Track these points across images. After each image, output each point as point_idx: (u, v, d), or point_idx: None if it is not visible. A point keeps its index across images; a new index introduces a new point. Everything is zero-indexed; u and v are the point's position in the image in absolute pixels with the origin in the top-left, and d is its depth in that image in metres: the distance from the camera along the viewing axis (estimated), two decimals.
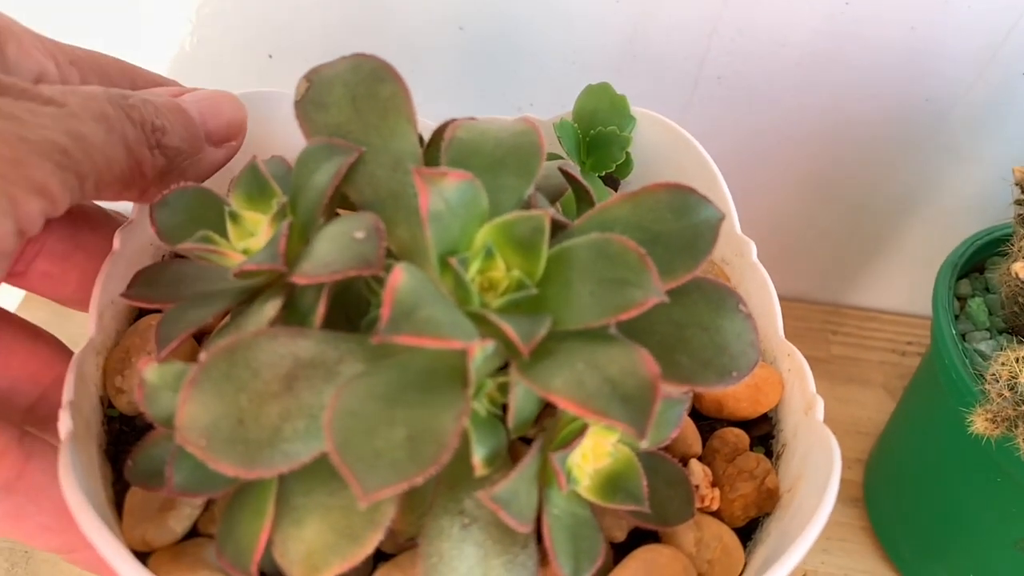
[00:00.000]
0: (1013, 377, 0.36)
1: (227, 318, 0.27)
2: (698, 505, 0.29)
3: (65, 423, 0.26)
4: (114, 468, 0.29)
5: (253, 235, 0.27)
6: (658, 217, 0.26)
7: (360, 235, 0.24)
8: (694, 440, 0.31)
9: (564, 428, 0.26)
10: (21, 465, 0.26)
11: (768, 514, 0.31)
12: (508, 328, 0.22)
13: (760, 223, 0.34)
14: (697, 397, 0.34)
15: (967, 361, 0.42)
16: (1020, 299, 0.42)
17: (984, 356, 0.44)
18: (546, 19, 0.50)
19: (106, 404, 0.30)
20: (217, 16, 0.53)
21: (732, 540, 0.29)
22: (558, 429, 0.26)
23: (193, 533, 0.27)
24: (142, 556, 0.26)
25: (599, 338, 0.23)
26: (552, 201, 0.32)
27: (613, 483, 0.26)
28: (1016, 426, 0.37)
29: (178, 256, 0.35)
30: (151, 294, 0.27)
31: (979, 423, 0.38)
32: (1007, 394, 0.36)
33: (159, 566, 0.26)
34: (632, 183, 0.40)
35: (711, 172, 0.37)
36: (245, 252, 0.26)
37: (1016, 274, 0.40)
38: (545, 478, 0.25)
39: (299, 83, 0.27)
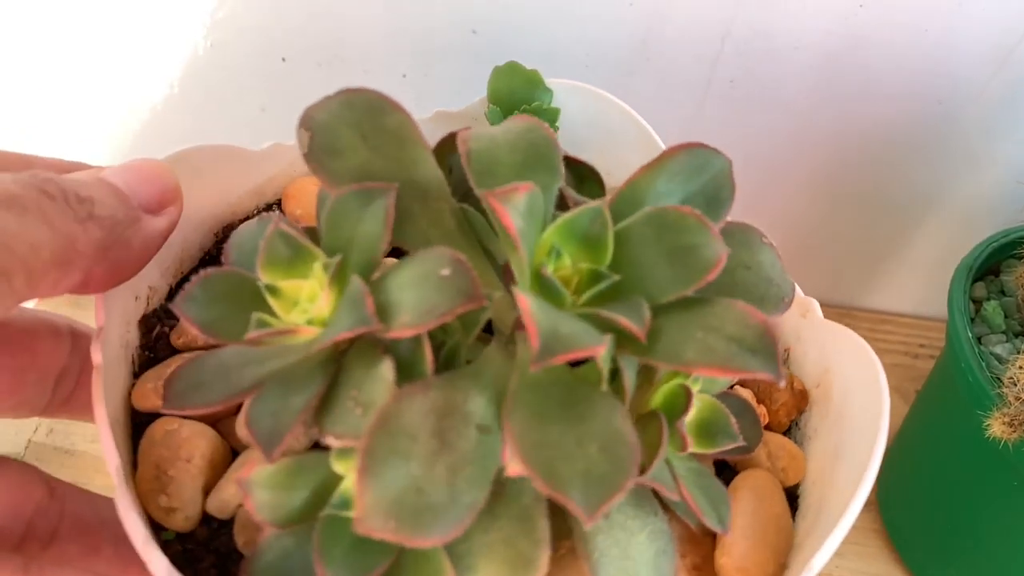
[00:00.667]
0: None
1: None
2: None
3: (160, 562, 0.24)
4: None
5: (298, 303, 0.25)
6: (683, 179, 0.27)
7: (447, 272, 0.23)
8: None
9: (659, 394, 0.27)
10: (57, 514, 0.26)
11: (802, 412, 0.34)
12: (623, 319, 0.23)
13: (773, 225, 0.33)
14: None
15: (983, 364, 0.41)
16: None
17: (1000, 359, 0.42)
18: (558, 22, 0.49)
19: (159, 529, 0.28)
20: (230, 20, 0.51)
21: (792, 446, 0.32)
22: (651, 396, 0.27)
23: None
24: None
25: (692, 304, 0.25)
26: None
27: (709, 429, 0.28)
28: None
29: (162, 342, 0.32)
30: (206, 397, 0.25)
31: (996, 427, 0.37)
32: None
33: None
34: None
35: (640, 127, 0.39)
36: (311, 323, 0.24)
37: None
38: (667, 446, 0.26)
39: (299, 133, 0.26)
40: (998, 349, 0.44)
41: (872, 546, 0.54)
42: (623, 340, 0.24)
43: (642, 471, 0.24)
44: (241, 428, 0.29)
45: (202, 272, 0.25)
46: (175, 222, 0.28)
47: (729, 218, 0.28)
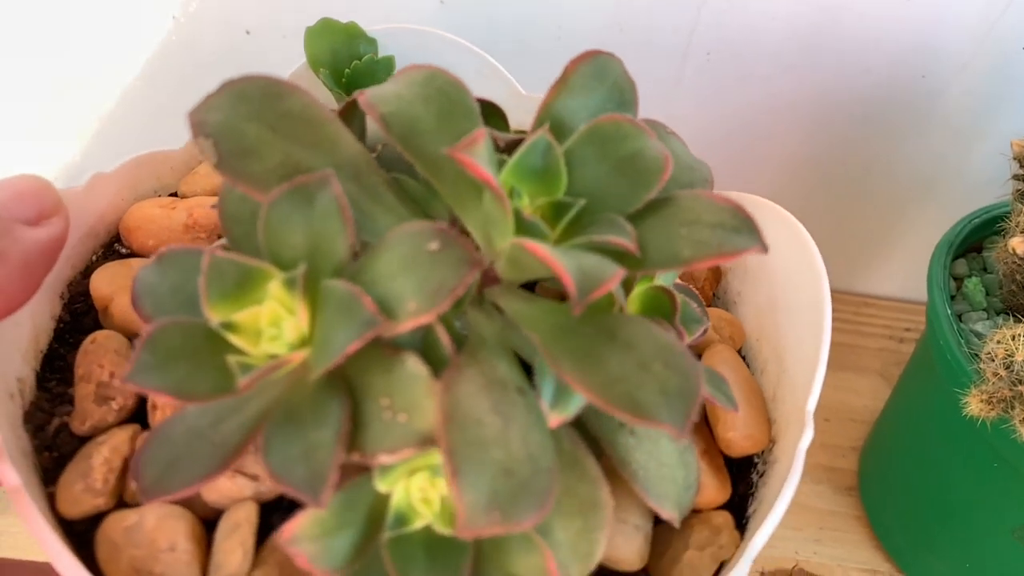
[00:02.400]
0: (1009, 355, 0.34)
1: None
2: None
3: None
4: None
5: (261, 332, 0.22)
6: (592, 87, 0.27)
7: (435, 245, 0.21)
8: None
9: (633, 296, 0.27)
10: None
11: (719, 282, 0.36)
12: (616, 239, 0.22)
13: None
14: None
15: (962, 341, 0.40)
16: (1018, 276, 0.39)
17: (980, 337, 0.41)
18: None
19: None
20: None
21: (727, 314, 0.34)
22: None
23: None
24: None
25: (659, 206, 0.25)
26: None
27: (683, 321, 0.29)
28: (1012, 407, 0.35)
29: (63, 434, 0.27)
30: (201, 468, 0.21)
31: (974, 404, 0.36)
32: (1003, 373, 0.34)
33: None
34: None
35: (474, 53, 0.38)
36: (292, 347, 0.21)
37: (1014, 250, 0.37)
38: None
39: (198, 143, 0.22)
40: (979, 326, 0.42)
41: (853, 532, 0.53)
42: (615, 258, 0.24)
43: None
44: (211, 492, 0.25)
45: (143, 334, 0.21)
46: (60, 233, 0.27)
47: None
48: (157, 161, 0.35)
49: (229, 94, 0.23)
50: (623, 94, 0.28)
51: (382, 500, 0.22)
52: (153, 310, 0.23)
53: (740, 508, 0.29)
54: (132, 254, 0.33)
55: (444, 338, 0.22)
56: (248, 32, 0.48)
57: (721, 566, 0.27)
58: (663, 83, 0.51)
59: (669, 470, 0.26)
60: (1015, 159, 0.41)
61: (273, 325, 0.22)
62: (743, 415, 0.29)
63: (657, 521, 0.27)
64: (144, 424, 0.28)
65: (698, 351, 0.32)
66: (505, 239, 0.23)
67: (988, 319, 0.43)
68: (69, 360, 0.29)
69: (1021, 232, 0.38)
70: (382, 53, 0.38)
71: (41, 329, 0.30)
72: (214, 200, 0.32)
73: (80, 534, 0.25)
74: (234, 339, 0.22)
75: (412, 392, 0.20)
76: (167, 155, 0.35)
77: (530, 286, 0.29)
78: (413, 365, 0.21)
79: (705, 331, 0.30)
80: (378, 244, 0.22)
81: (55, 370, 0.29)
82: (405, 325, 0.20)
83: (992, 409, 0.36)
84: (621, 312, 0.23)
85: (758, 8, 0.49)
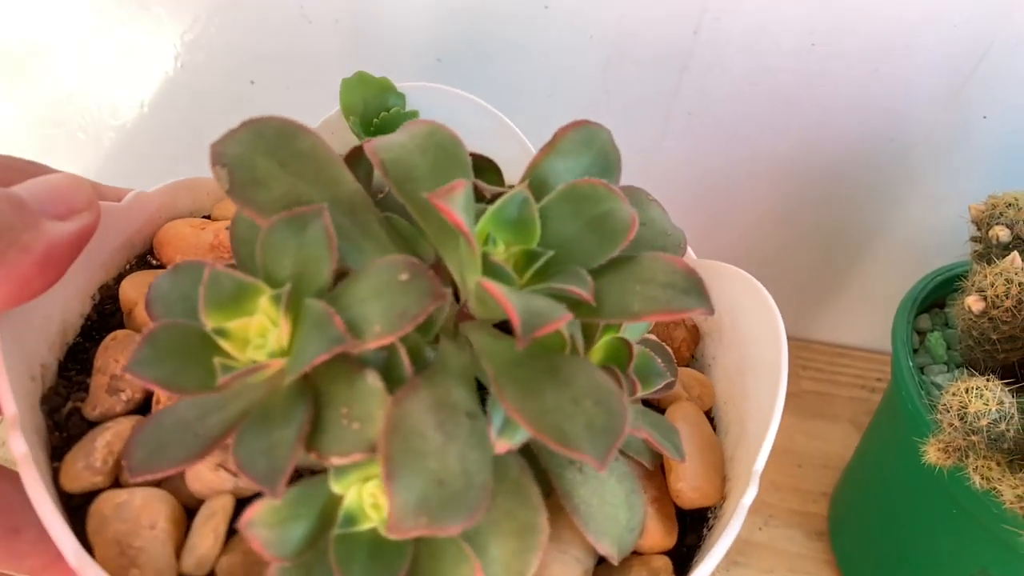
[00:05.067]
0: (963, 407, 0.35)
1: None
2: None
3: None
4: None
5: (249, 341, 0.25)
6: (576, 152, 0.30)
7: (405, 276, 0.24)
8: None
9: (596, 348, 0.29)
10: None
11: (696, 344, 0.38)
12: (573, 288, 0.25)
13: (729, 258, 0.36)
14: None
15: (923, 393, 0.42)
16: (974, 332, 0.41)
17: (940, 388, 0.44)
18: (520, 54, 0.48)
19: None
20: (200, 43, 0.50)
21: (699, 375, 0.36)
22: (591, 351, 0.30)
23: None
24: None
25: (620, 263, 0.27)
26: None
27: (644, 373, 0.30)
28: (967, 456, 0.37)
29: (74, 418, 0.30)
30: (176, 455, 0.24)
31: (932, 453, 0.38)
32: (957, 424, 0.36)
33: None
34: None
35: (496, 118, 0.41)
36: (272, 356, 0.24)
37: (969, 307, 0.40)
38: None
39: (215, 171, 0.25)
40: (939, 379, 0.45)
41: None
42: (572, 306, 0.26)
43: None
44: (195, 482, 0.28)
45: (145, 331, 0.24)
46: (88, 227, 0.29)
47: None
48: (196, 185, 0.39)
49: (248, 130, 0.26)
50: (607, 160, 0.30)
51: (335, 500, 0.24)
52: (163, 313, 0.26)
53: (686, 558, 0.31)
54: (161, 266, 0.36)
55: (405, 360, 0.24)
56: (253, 82, 0.52)
57: None
58: (646, 140, 0.55)
59: (613, 509, 0.28)
60: (972, 222, 0.44)
61: (260, 335, 0.25)
62: (694, 468, 0.31)
63: (601, 560, 0.29)
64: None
65: (662, 405, 0.34)
66: (474, 279, 0.25)
67: (948, 372, 0.45)
68: (91, 354, 0.32)
69: (976, 291, 0.40)
70: (409, 107, 0.42)
71: (69, 324, 0.33)
72: None
73: (75, 508, 0.28)
74: (224, 344, 0.25)
75: (367, 404, 0.23)
76: (205, 181, 0.39)
77: (506, 326, 0.31)
78: (372, 380, 0.23)
79: (669, 386, 0.32)
80: (359, 271, 0.25)
81: (77, 361, 0.32)
82: (369, 344, 0.23)
83: (949, 458, 0.37)
84: (574, 354, 0.26)
85: (739, 74, 0.52)
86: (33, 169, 0.30)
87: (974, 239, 0.44)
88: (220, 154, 0.26)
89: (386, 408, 0.22)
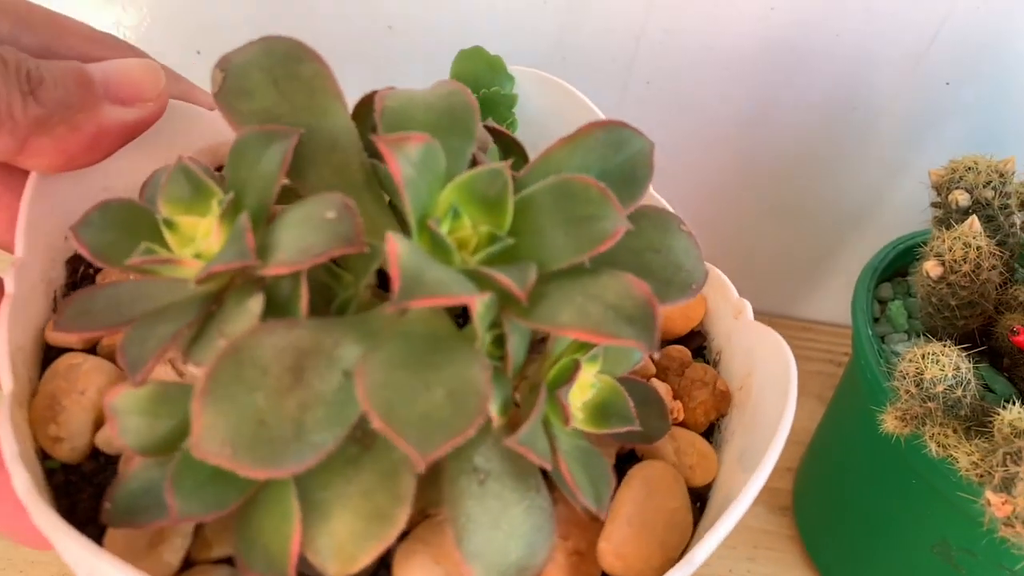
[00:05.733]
0: (919, 374, 0.35)
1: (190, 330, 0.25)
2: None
3: (21, 476, 0.24)
4: (72, 520, 0.27)
5: (194, 239, 0.25)
6: (599, 155, 0.27)
7: (331, 215, 0.23)
8: (647, 362, 0.33)
9: (552, 368, 0.26)
10: None
11: (724, 415, 0.33)
12: (502, 278, 0.22)
13: (693, 230, 0.35)
14: None
15: (882, 361, 0.42)
16: (933, 299, 0.41)
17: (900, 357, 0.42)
18: (474, 18, 0.49)
19: (43, 457, 0.28)
20: (144, 12, 0.52)
21: (704, 444, 0.31)
22: (546, 371, 0.27)
23: (186, 564, 0.26)
24: None
25: (582, 273, 0.24)
26: None
27: (604, 410, 0.27)
28: (924, 424, 0.36)
29: (87, 282, 0.32)
30: (92, 323, 0.25)
31: (889, 422, 0.37)
32: (913, 391, 0.35)
33: None
34: (522, 140, 0.41)
35: (593, 111, 0.39)
36: (199, 257, 0.24)
37: (927, 272, 0.39)
38: (548, 419, 0.26)
39: (213, 73, 0.26)
40: (900, 348, 0.44)
41: (787, 552, 0.54)
42: (508, 303, 0.24)
43: (510, 432, 0.23)
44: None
45: (103, 200, 0.25)
46: (148, 118, 0.30)
47: None
48: None
49: (259, 45, 0.27)
50: (633, 171, 0.27)
51: None
52: (149, 196, 0.28)
53: None
54: None
55: (303, 297, 0.23)
56: (199, 52, 0.52)
57: None
58: (604, 109, 0.52)
59: (504, 539, 0.25)
60: (933, 187, 0.43)
61: (204, 237, 0.25)
62: (627, 534, 0.27)
63: None
64: None
65: (621, 451, 0.30)
66: (409, 240, 0.24)
67: (909, 340, 0.45)
68: None
69: (935, 256, 0.40)
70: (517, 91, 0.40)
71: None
72: None
73: (48, 360, 0.30)
74: (168, 235, 0.25)
75: (238, 323, 0.22)
76: None
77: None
78: (253, 304, 0.23)
79: (640, 436, 0.29)
80: (300, 201, 0.24)
81: None
82: (270, 270, 0.22)
83: (906, 426, 0.37)
84: (472, 345, 0.23)
85: (695, 40, 0.51)
86: (122, 49, 0.32)
87: (934, 204, 0.44)
88: (225, 59, 0.26)
89: (246, 331, 0.21)
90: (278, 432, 0.21)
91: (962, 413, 0.36)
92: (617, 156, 0.27)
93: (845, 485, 0.49)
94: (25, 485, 0.23)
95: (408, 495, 0.23)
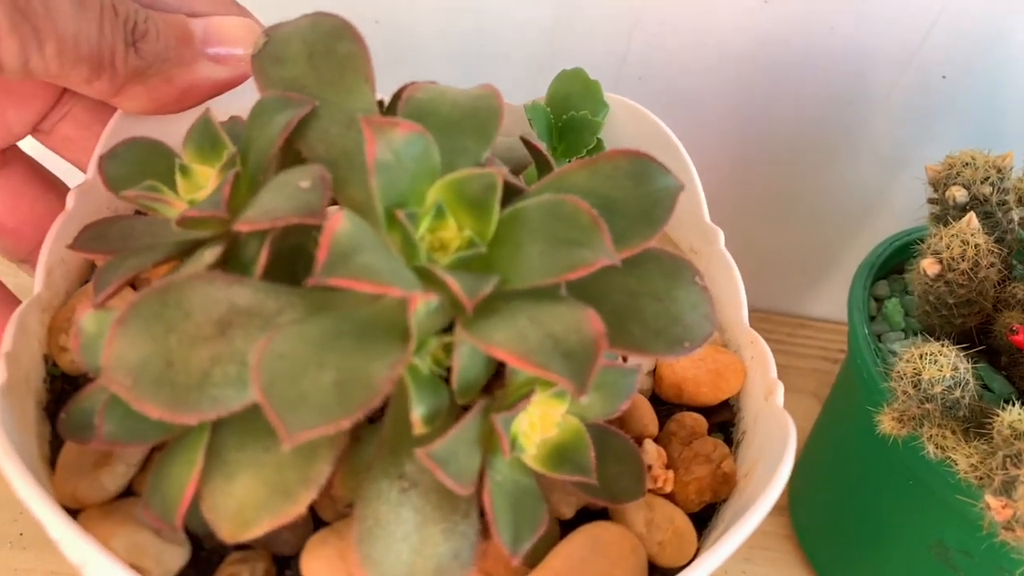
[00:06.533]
0: (917, 374, 0.34)
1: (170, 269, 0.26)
2: (651, 486, 0.29)
3: None
4: (53, 428, 0.28)
5: (202, 188, 0.26)
6: (616, 184, 0.26)
7: (305, 184, 0.23)
8: (650, 421, 0.31)
9: (512, 396, 0.25)
10: None
11: (724, 500, 0.30)
12: (452, 282, 0.21)
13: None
14: (658, 381, 0.33)
15: (879, 360, 0.41)
16: (931, 297, 0.40)
17: (898, 356, 0.41)
18: (466, 11, 0.49)
19: (50, 362, 0.30)
20: None
21: (685, 523, 0.28)
22: (506, 397, 0.25)
23: (129, 494, 0.27)
24: (72, 513, 0.25)
25: (547, 298, 0.23)
26: (515, 173, 0.32)
27: (560, 454, 0.25)
28: (921, 425, 0.36)
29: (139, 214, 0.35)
30: (96, 246, 0.27)
31: (886, 423, 0.36)
32: (911, 391, 0.35)
33: (87, 522, 0.25)
34: None
35: (682, 160, 0.37)
36: (191, 203, 0.25)
37: (925, 270, 0.39)
38: (490, 445, 0.24)
39: (259, 38, 0.27)
40: (896, 346, 0.43)
41: (782, 551, 0.53)
42: (459, 312, 0.23)
43: (421, 442, 0.22)
44: None
45: (131, 137, 0.27)
46: (238, 78, 0.31)
47: None
48: None
49: (310, 19, 0.27)
50: (652, 210, 0.25)
51: None
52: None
53: None
54: None
55: (262, 257, 0.23)
56: None
57: None
58: None
59: (409, 552, 0.23)
60: (930, 183, 0.42)
61: (206, 186, 0.26)
62: None
63: None
64: None
65: (590, 507, 0.28)
66: (376, 227, 0.23)
67: (906, 339, 0.45)
68: None
69: (932, 253, 0.39)
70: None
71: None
72: None
73: None
74: (180, 179, 0.26)
75: (189, 269, 0.23)
76: None
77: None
78: (208, 255, 0.23)
79: (596, 491, 0.26)
80: (286, 170, 0.24)
81: None
82: (235, 225, 0.23)
83: (903, 427, 0.36)
84: (401, 341, 0.22)
85: (689, 35, 0.50)
86: (227, 4, 0.33)
87: (931, 201, 0.43)
88: (274, 27, 0.27)
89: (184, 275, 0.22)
90: (182, 378, 0.21)
91: (960, 414, 0.36)
92: (637, 189, 0.26)
93: (841, 485, 0.49)
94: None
95: (318, 480, 0.23)
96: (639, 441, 0.30)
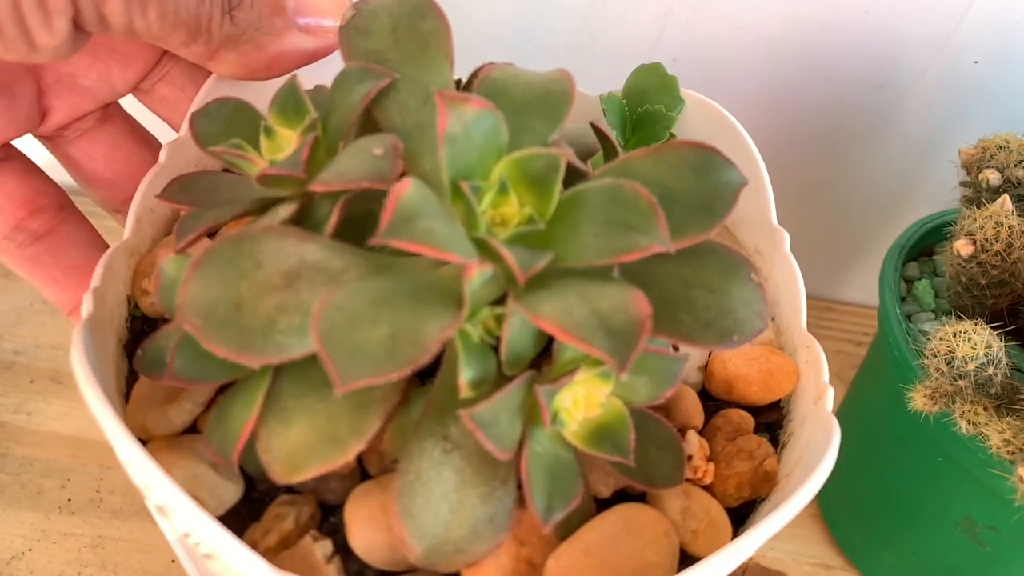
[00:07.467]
0: (950, 352, 0.35)
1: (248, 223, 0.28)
2: (690, 475, 0.29)
3: (87, 306, 0.27)
4: (130, 364, 0.30)
5: (283, 149, 0.28)
6: (679, 174, 0.26)
7: (378, 151, 0.24)
8: (695, 413, 0.31)
9: (557, 372, 0.26)
10: (54, 224, 0.34)
11: (764, 498, 0.30)
12: (507, 254, 0.22)
13: None
14: (708, 377, 0.33)
15: (910, 339, 0.42)
16: (963, 278, 0.41)
17: (928, 336, 0.42)
18: None
19: (132, 304, 0.32)
20: None
21: (721, 515, 0.29)
22: (552, 372, 0.26)
23: (192, 431, 0.28)
24: (141, 443, 0.27)
25: (598, 278, 0.24)
26: (583, 159, 0.32)
27: (601, 433, 0.26)
28: (953, 402, 0.36)
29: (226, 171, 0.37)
30: (183, 197, 0.28)
31: (918, 399, 0.37)
32: (944, 369, 0.35)
33: (153, 451, 0.27)
34: None
35: (753, 160, 0.37)
36: (272, 163, 0.27)
37: (958, 251, 0.40)
38: (532, 416, 0.25)
39: (346, 10, 0.28)
40: (927, 326, 0.45)
41: (807, 528, 0.54)
42: (512, 285, 0.23)
43: (466, 405, 0.23)
44: None
45: (221, 97, 0.29)
46: (325, 49, 0.33)
47: None
48: None
49: None
50: (712, 202, 0.26)
51: None
52: None
53: None
54: None
55: (332, 219, 0.25)
56: None
57: None
58: None
59: (447, 510, 0.24)
60: (962, 166, 0.43)
61: (288, 148, 0.27)
62: (578, 561, 0.25)
63: None
64: None
65: (628, 490, 0.28)
66: (442, 197, 0.24)
67: (936, 319, 0.46)
68: None
69: (965, 235, 0.39)
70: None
71: None
72: None
73: None
74: (264, 140, 0.28)
75: (263, 223, 0.24)
76: None
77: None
78: (282, 211, 0.24)
79: (632, 472, 0.27)
80: (363, 137, 0.26)
81: None
82: (311, 186, 0.24)
83: (935, 404, 0.37)
84: (454, 302, 0.23)
85: (723, 17, 0.51)
86: None
87: (964, 184, 0.43)
88: (363, 1, 0.28)
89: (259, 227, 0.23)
90: (248, 322, 0.22)
91: (992, 391, 0.36)
92: (700, 180, 0.26)
93: (868, 463, 0.49)
94: (86, 313, 0.27)
95: (368, 432, 0.24)
96: (682, 431, 0.30)
